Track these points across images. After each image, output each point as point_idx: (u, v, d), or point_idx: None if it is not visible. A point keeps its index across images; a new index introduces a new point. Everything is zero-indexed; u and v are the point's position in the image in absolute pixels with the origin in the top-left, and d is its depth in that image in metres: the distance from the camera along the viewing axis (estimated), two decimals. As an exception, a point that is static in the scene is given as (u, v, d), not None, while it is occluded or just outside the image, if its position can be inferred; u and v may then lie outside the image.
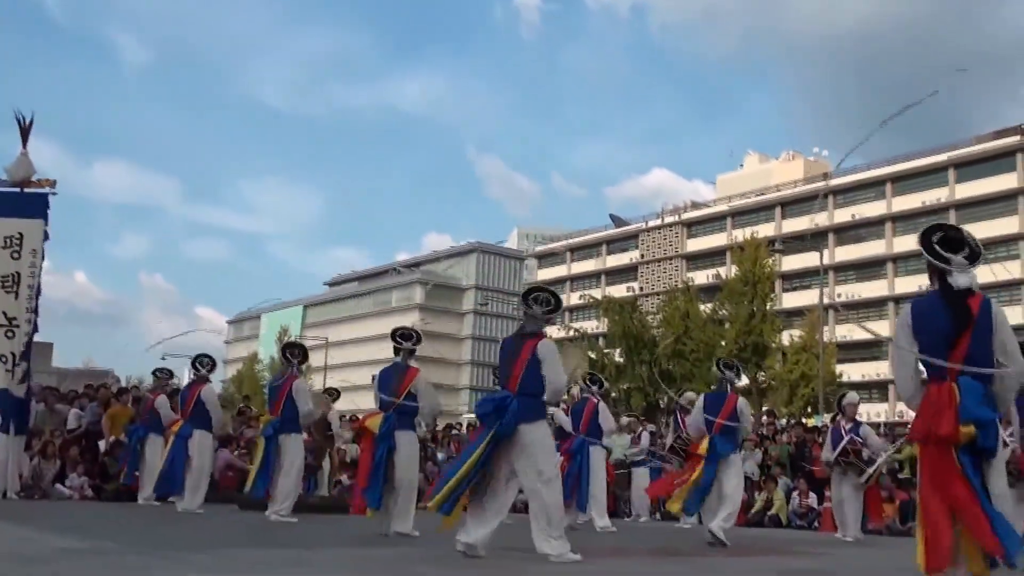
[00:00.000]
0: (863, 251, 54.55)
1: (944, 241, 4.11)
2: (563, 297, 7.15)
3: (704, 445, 8.53)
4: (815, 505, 13.43)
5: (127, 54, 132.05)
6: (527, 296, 6.45)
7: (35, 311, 11.48)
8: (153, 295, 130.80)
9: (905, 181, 53.00)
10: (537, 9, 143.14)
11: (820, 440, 13.20)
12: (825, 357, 35.22)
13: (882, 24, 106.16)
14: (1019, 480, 6.82)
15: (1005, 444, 5.30)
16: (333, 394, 15.38)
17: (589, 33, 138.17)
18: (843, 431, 10.58)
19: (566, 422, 10.60)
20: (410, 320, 62.31)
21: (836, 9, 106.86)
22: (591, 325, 50.26)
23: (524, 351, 6.13)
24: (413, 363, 8.25)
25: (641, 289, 61.61)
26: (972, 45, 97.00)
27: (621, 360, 39.53)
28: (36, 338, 12.01)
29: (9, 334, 11.26)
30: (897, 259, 52.21)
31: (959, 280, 3.99)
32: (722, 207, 62.68)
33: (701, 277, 53.40)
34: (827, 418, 20.29)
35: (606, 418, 10.69)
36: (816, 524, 13.13)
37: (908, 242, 50.06)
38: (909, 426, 4.30)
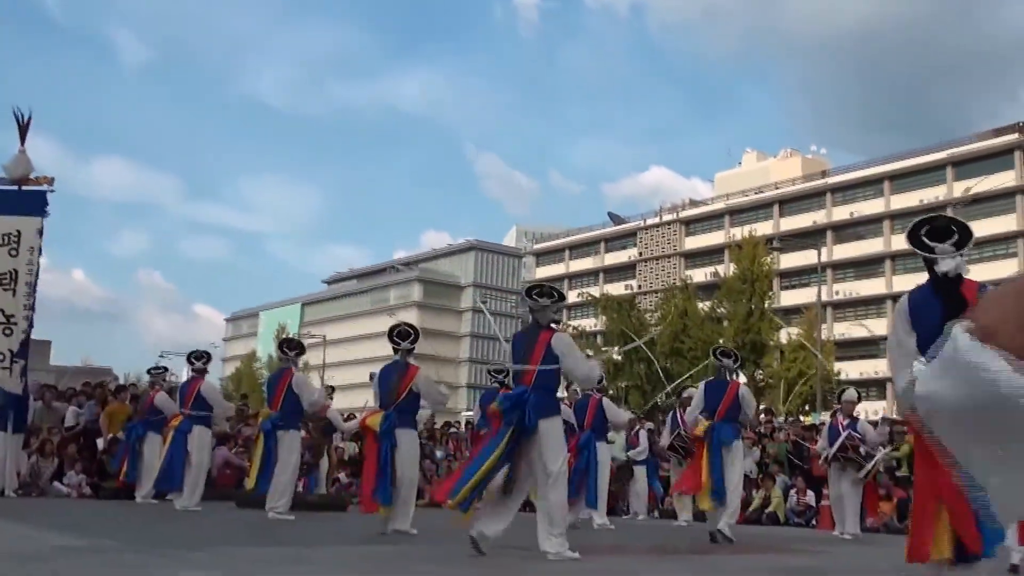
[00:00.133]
0: (861, 249, 54.60)
1: (932, 232, 4.11)
2: (561, 295, 7.20)
3: (702, 427, 8.50)
4: (813, 503, 13.45)
5: (126, 51, 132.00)
6: (530, 292, 6.46)
7: (32, 308, 11.47)
8: (152, 293, 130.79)
9: (903, 179, 53.03)
10: (536, 7, 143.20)
11: (817, 437, 13.20)
12: (823, 355, 35.25)
13: (880, 23, 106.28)
14: None
15: None
16: (328, 391, 15.38)
17: (588, 31, 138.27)
18: (840, 427, 10.59)
19: (569, 414, 10.61)
20: (408, 318, 62.32)
21: (835, 8, 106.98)
22: (589, 323, 50.33)
23: (539, 345, 6.12)
24: (413, 361, 8.25)
25: (639, 287, 61.67)
26: (971, 44, 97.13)
27: (619, 358, 39.53)
28: (34, 336, 12.00)
29: (7, 331, 11.25)
30: (895, 257, 52.25)
31: (943, 266, 3.99)
32: (720, 205, 62.70)
33: (699, 275, 53.44)
34: (825, 416, 20.31)
35: (614, 412, 10.68)
36: (814, 522, 13.14)
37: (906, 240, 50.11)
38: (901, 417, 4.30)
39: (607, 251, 68.57)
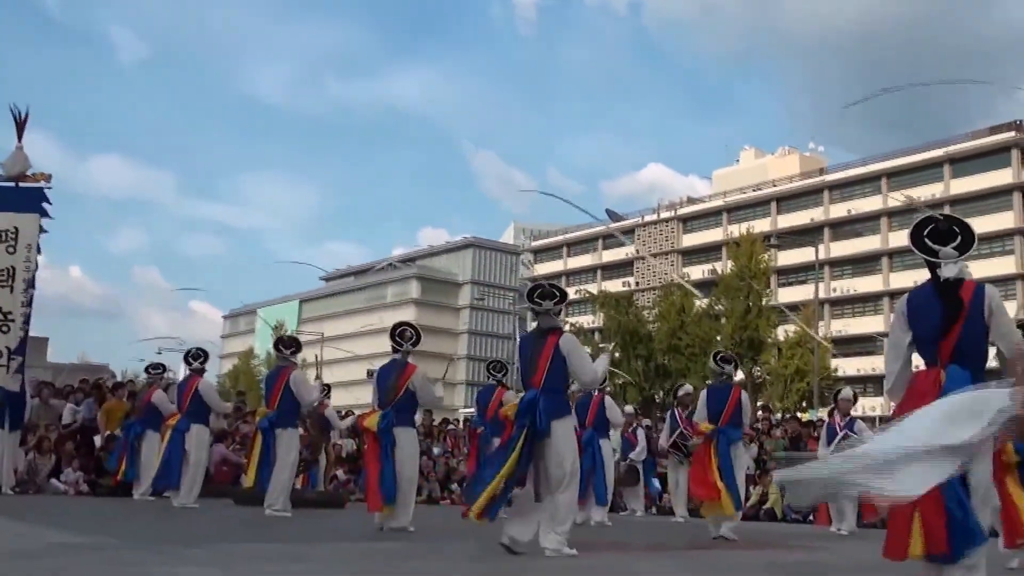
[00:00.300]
0: (858, 246, 54.65)
1: (934, 233, 4.13)
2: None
3: (704, 426, 8.55)
4: (810, 499, 13.46)
5: (124, 48, 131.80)
6: (532, 294, 6.45)
7: (29, 305, 11.46)
8: (149, 290, 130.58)
9: (900, 176, 53.08)
10: (534, 5, 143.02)
11: (815, 434, 13.24)
12: (820, 352, 35.31)
13: (879, 21, 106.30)
14: None
15: None
16: (325, 389, 15.36)
17: (585, 28, 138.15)
18: (838, 427, 10.62)
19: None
20: (406, 315, 62.32)
21: (833, 6, 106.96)
22: (587, 320, 50.37)
23: (546, 348, 6.13)
24: (411, 359, 8.25)
25: (637, 284, 61.70)
26: (968, 43, 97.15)
27: (616, 355, 39.55)
28: (31, 333, 11.98)
29: (4, 328, 11.24)
30: (892, 254, 52.33)
31: (946, 271, 4.01)
32: (718, 202, 62.72)
33: (697, 272, 53.49)
34: (822, 412, 20.34)
35: (614, 413, 10.71)
36: (811, 518, 13.17)
37: (903, 237, 50.00)
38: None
39: (604, 248, 68.58)
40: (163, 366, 12.90)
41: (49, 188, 11.79)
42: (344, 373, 62.24)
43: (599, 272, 67.29)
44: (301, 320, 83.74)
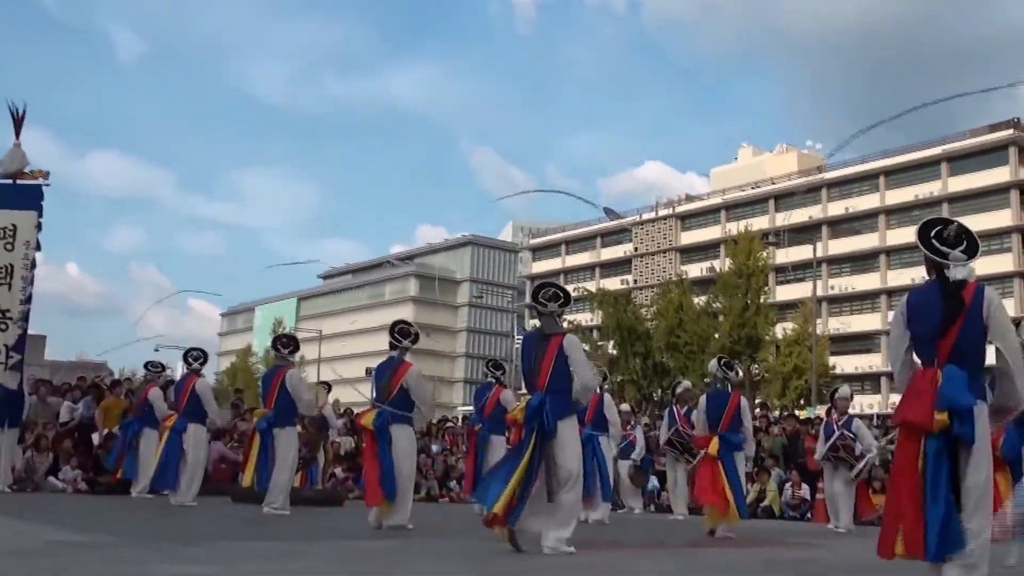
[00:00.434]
0: (856, 244, 54.65)
1: (941, 236, 4.15)
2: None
3: (714, 444, 8.55)
4: (808, 496, 13.48)
5: (121, 46, 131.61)
6: (536, 295, 6.45)
7: (28, 302, 11.45)
8: (146, 287, 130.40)
9: (898, 174, 53.09)
10: (532, 3, 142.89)
11: (813, 432, 13.26)
12: (818, 349, 35.33)
13: (879, 20, 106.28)
14: None
15: None
16: (325, 388, 15.34)
17: (584, 26, 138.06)
18: (835, 426, 10.63)
19: None
20: (404, 313, 62.34)
21: (832, 6, 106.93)
22: (585, 318, 50.34)
23: (550, 349, 6.16)
24: (408, 357, 8.24)
25: (635, 282, 61.69)
26: (968, 43, 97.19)
27: (615, 352, 39.59)
28: (29, 331, 11.97)
29: (2, 326, 11.23)
30: (890, 252, 52.34)
31: (956, 274, 4.04)
32: (716, 200, 62.68)
33: (695, 270, 53.47)
34: (820, 410, 20.35)
35: (612, 412, 10.72)
36: (809, 515, 13.19)
37: (901, 235, 50.22)
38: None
39: (603, 246, 68.56)
40: (162, 364, 12.91)
41: (47, 185, 11.78)
42: (342, 370, 62.22)
43: (597, 270, 67.24)
44: (299, 318, 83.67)
